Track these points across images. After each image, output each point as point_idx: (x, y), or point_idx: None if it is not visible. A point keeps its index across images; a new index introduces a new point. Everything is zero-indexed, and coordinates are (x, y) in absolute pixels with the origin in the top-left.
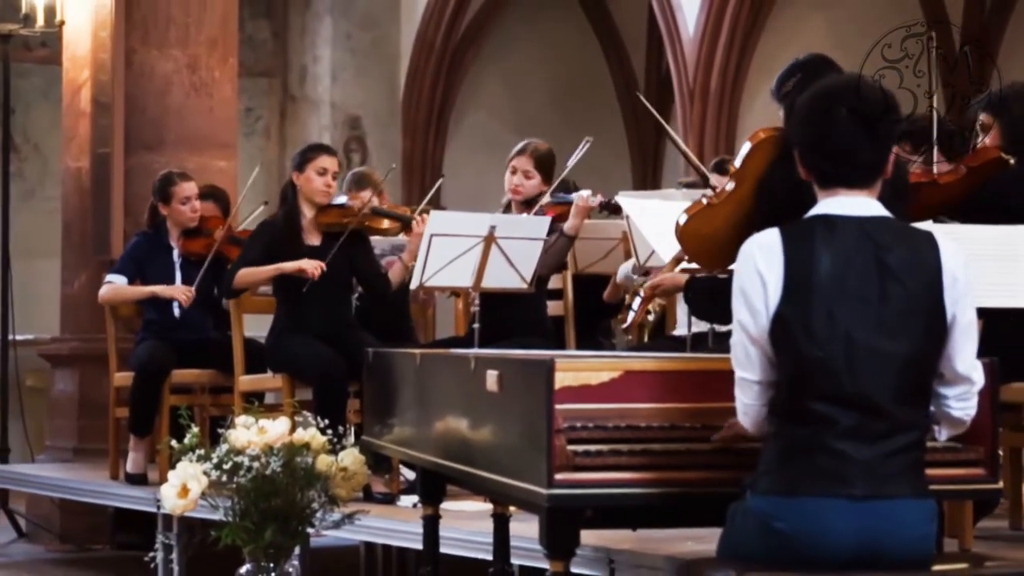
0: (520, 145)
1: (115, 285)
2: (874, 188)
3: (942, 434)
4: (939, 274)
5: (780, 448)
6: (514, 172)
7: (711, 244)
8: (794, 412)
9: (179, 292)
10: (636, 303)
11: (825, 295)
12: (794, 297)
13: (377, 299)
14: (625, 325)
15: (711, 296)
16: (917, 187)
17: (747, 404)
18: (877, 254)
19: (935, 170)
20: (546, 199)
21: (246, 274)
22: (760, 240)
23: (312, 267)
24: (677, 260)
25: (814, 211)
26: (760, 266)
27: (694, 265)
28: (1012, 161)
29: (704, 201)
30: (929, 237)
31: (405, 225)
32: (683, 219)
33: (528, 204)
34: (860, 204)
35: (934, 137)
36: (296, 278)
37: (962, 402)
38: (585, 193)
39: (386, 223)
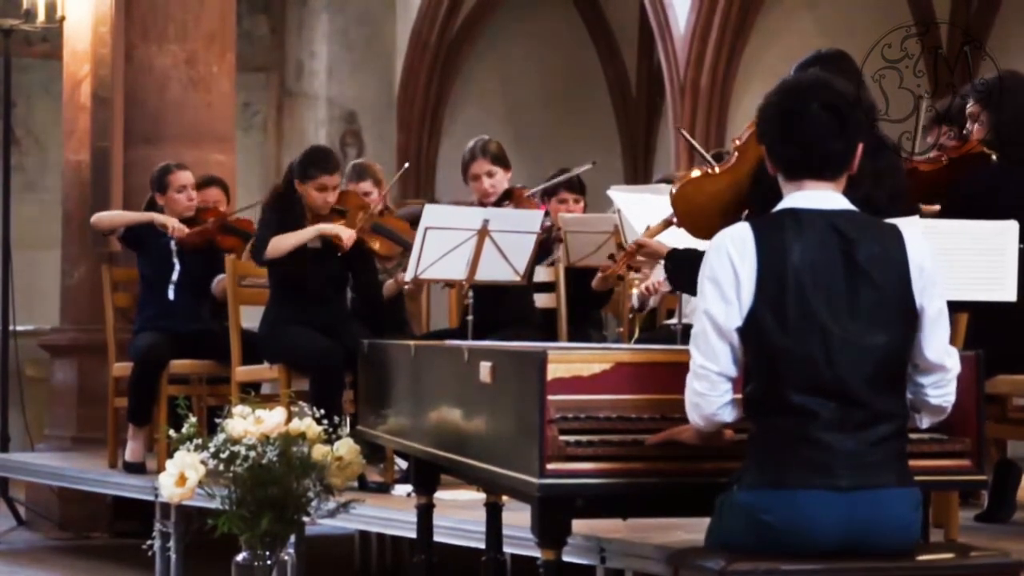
0: (467, 153)
1: (112, 211)
2: (839, 182)
3: (923, 422)
4: (906, 266)
5: (763, 442)
6: (477, 178)
7: (700, 212)
8: (774, 405)
9: (172, 222)
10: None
11: (798, 287)
12: (768, 290)
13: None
14: (603, 274)
15: (690, 268)
16: None
17: (701, 393)
18: (844, 248)
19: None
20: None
21: (282, 239)
22: (732, 234)
23: (348, 236)
24: (667, 222)
25: (781, 205)
26: (734, 259)
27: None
28: (994, 156)
29: (705, 170)
30: (894, 230)
31: (404, 250)
32: (680, 182)
33: (504, 197)
34: (826, 198)
35: (918, 127)
36: (294, 271)
37: (938, 389)
38: None
39: (383, 244)
